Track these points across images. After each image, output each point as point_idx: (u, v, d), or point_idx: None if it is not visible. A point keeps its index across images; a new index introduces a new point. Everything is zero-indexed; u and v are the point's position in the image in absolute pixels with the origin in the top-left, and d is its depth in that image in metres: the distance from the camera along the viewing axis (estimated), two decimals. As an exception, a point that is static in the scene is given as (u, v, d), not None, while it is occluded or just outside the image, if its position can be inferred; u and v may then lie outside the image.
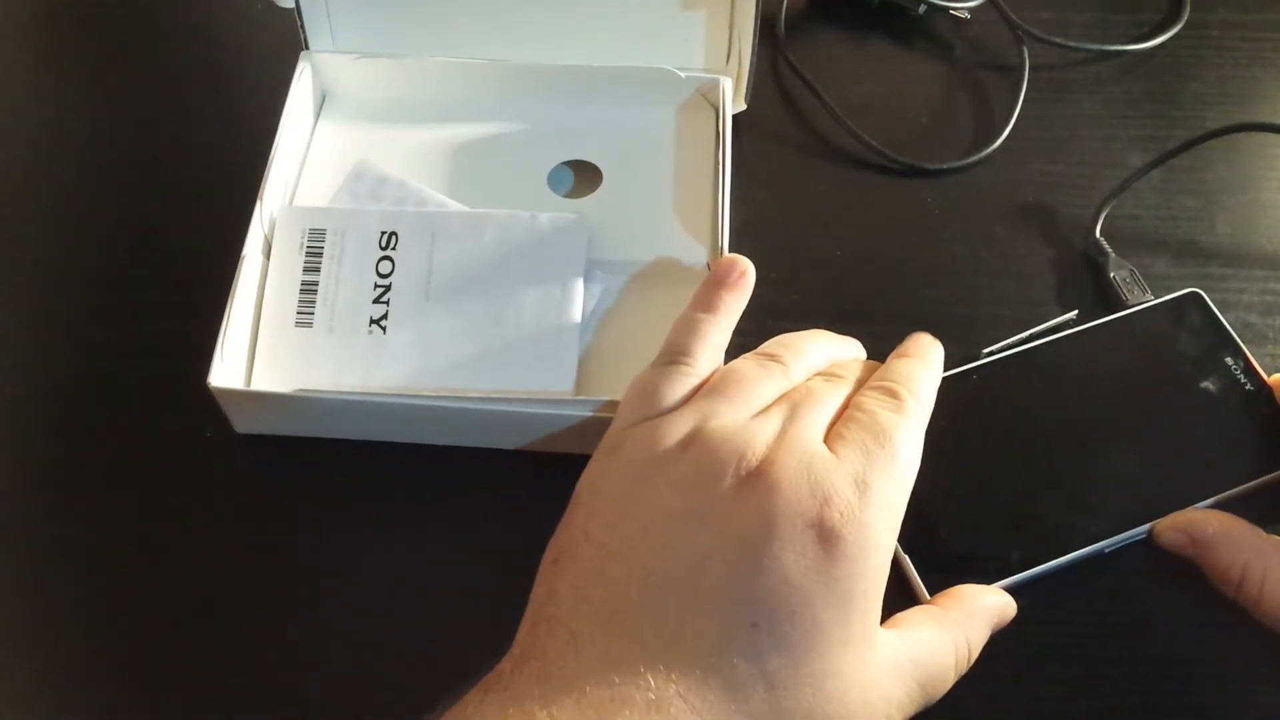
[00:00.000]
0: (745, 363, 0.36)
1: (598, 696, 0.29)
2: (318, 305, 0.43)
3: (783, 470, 0.32)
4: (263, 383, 0.41)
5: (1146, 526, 0.39)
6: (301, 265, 0.43)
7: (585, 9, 0.48)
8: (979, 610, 0.35)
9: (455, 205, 0.45)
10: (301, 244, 0.43)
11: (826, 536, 0.31)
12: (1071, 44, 0.54)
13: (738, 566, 0.30)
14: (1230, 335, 0.43)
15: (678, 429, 0.33)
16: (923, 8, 0.55)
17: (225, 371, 0.40)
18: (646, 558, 0.31)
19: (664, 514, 0.32)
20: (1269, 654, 0.38)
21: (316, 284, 0.43)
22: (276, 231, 0.44)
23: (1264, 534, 0.37)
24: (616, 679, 0.29)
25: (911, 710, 0.32)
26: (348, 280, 0.43)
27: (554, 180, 0.48)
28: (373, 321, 0.42)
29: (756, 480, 0.32)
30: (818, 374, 0.37)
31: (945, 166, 0.50)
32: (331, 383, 0.41)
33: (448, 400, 0.40)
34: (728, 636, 0.30)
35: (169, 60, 0.55)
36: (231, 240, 0.42)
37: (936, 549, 0.39)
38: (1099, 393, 0.42)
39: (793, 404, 0.34)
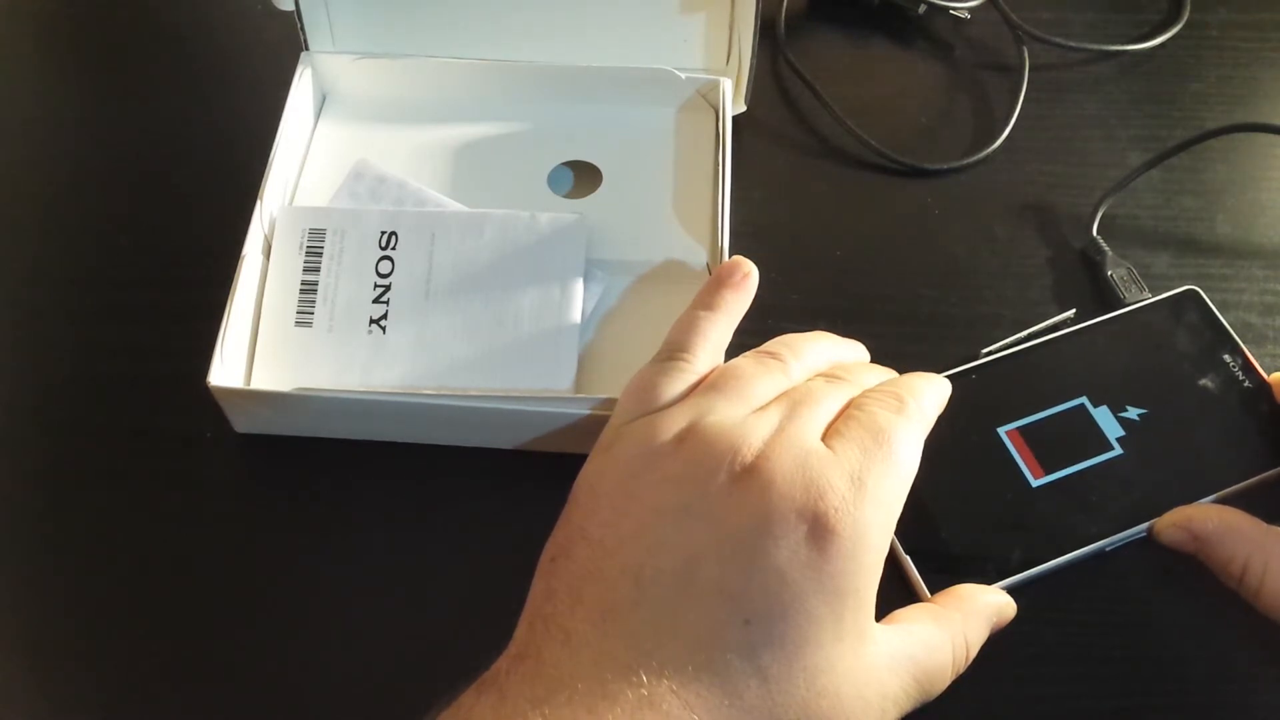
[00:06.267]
0: (744, 360, 0.36)
1: (590, 694, 0.29)
2: (317, 305, 0.43)
3: (777, 466, 0.31)
4: (262, 382, 0.41)
5: (1146, 525, 0.39)
6: (301, 265, 0.43)
7: (585, 9, 0.48)
8: (978, 609, 0.35)
9: (455, 205, 0.45)
10: (301, 244, 0.44)
11: (820, 532, 0.31)
12: (1071, 44, 0.54)
13: (731, 563, 0.30)
14: (1228, 333, 0.43)
15: (673, 425, 0.33)
16: (923, 8, 0.55)
17: (225, 371, 0.40)
18: (640, 555, 0.31)
19: (658, 510, 0.32)
20: (1271, 649, 0.38)
21: (316, 284, 0.43)
22: (276, 231, 0.44)
23: (1265, 526, 0.37)
24: (609, 676, 0.29)
25: (908, 706, 0.32)
26: (347, 280, 0.43)
27: (554, 180, 0.48)
28: (372, 321, 0.42)
29: (751, 476, 0.31)
30: (819, 375, 0.37)
31: (945, 166, 0.50)
32: (331, 382, 0.41)
33: (447, 400, 0.40)
34: (721, 632, 0.30)
35: (169, 60, 0.55)
36: (231, 240, 0.43)
37: (936, 549, 0.39)
38: (1097, 392, 0.42)
39: (791, 402, 0.34)
